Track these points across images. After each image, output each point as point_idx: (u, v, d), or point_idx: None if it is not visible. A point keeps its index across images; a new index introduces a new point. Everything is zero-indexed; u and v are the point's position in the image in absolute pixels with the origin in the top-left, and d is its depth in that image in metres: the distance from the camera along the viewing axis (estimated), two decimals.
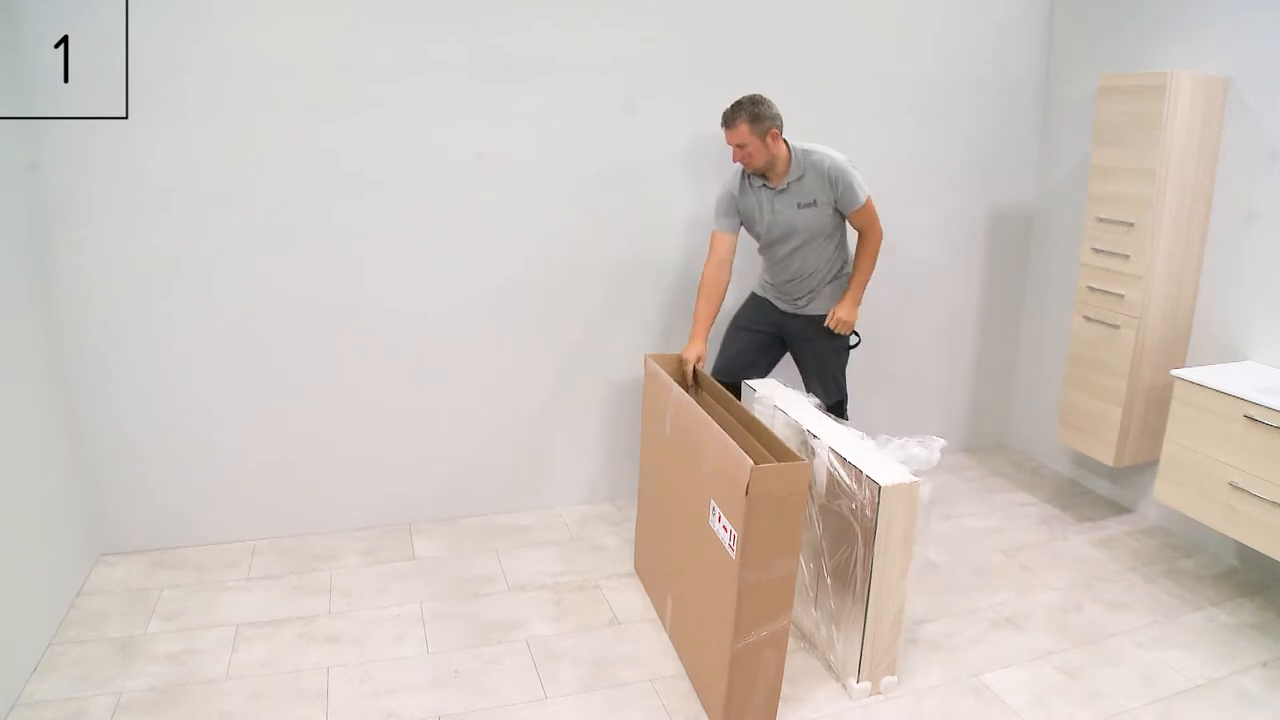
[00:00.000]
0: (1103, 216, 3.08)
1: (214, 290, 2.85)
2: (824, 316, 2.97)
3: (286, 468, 3.08)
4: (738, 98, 2.74)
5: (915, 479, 2.19)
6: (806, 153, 2.81)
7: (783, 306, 3.04)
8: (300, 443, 3.07)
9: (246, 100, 2.73)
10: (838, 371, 3.07)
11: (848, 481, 2.27)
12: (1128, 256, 3.00)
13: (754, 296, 3.14)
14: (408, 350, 3.09)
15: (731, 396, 2.57)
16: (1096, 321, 3.15)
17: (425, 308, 3.07)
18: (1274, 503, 2.42)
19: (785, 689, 2.36)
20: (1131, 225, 2.97)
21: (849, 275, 2.99)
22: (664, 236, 3.28)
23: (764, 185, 2.84)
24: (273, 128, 2.78)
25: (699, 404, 2.47)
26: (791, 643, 2.56)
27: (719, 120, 2.76)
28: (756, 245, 3.01)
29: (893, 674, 2.37)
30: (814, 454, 2.44)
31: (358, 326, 3.02)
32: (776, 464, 2.04)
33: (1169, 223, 2.93)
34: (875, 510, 2.16)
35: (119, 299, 2.77)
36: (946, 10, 3.46)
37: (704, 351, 2.84)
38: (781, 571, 2.06)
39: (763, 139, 2.71)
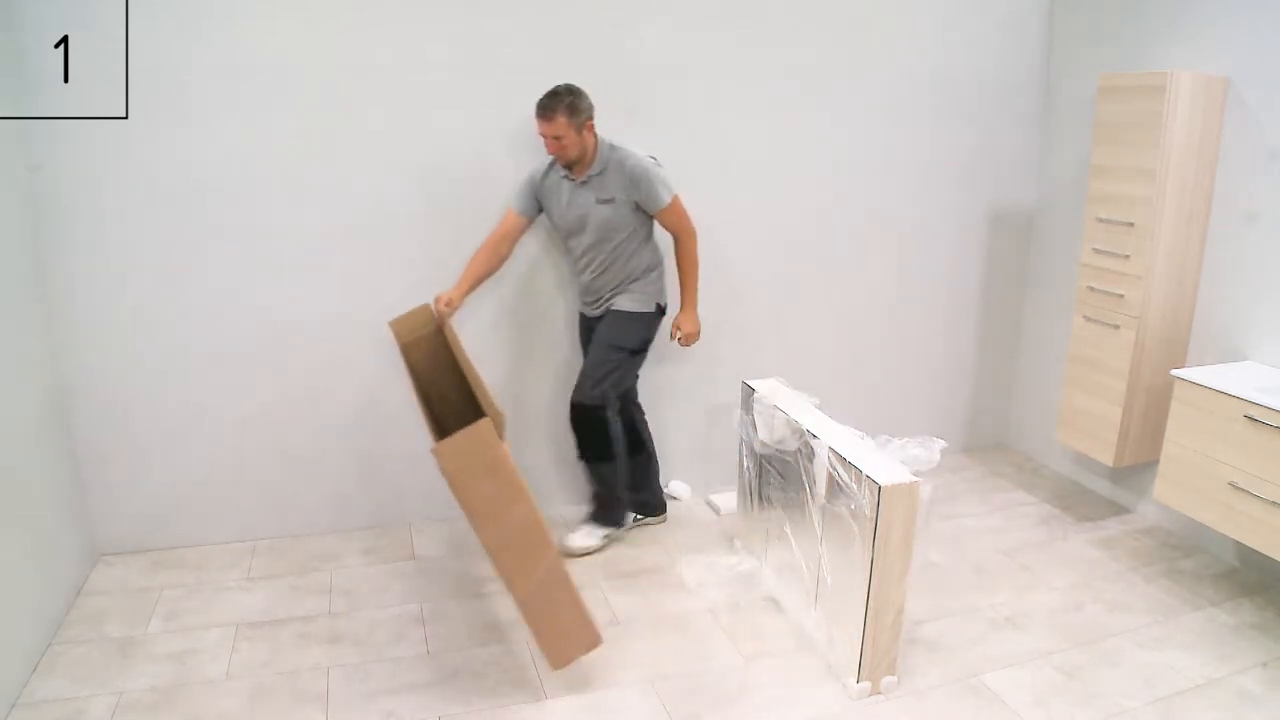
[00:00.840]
0: (1103, 216, 3.08)
1: (214, 290, 2.86)
2: (624, 311, 2.93)
3: (286, 468, 3.08)
4: (553, 87, 2.68)
5: (915, 479, 2.19)
6: (613, 149, 2.80)
7: (591, 313, 3.02)
8: (300, 443, 3.07)
9: (246, 100, 2.73)
10: (615, 368, 2.93)
11: (848, 481, 2.27)
12: (1128, 256, 3.00)
13: (579, 316, 3.14)
14: None
15: (459, 348, 2.62)
16: (1096, 321, 3.14)
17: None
18: (1274, 503, 2.42)
19: (786, 689, 2.37)
20: (1131, 225, 2.97)
21: (656, 279, 2.97)
22: None
23: (566, 176, 2.82)
24: (273, 127, 2.78)
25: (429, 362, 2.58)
26: (791, 643, 2.56)
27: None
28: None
29: (893, 674, 2.37)
30: (814, 454, 2.44)
31: (357, 326, 3.02)
32: (454, 437, 2.02)
33: (1169, 223, 2.93)
34: (875, 510, 2.16)
35: (119, 299, 2.77)
36: (946, 10, 3.46)
37: (456, 298, 2.82)
38: (519, 519, 2.10)
39: (579, 131, 2.70)
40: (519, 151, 2.99)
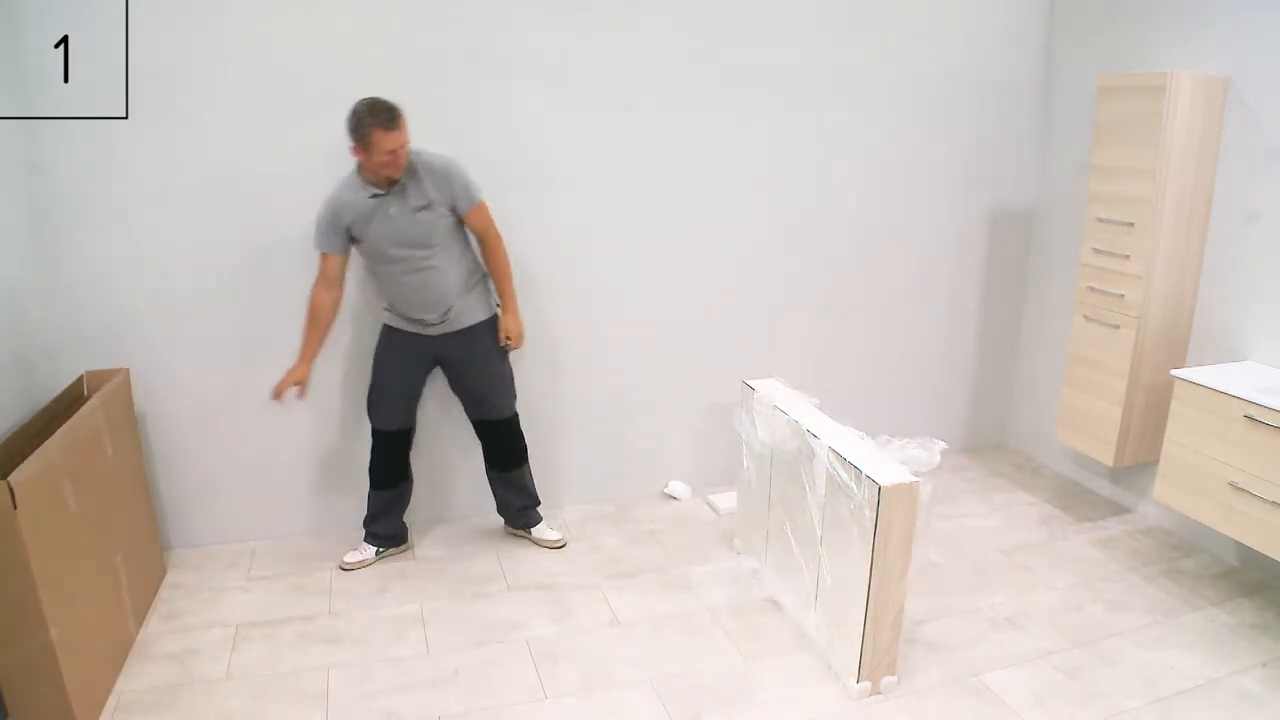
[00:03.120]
0: (1103, 216, 3.08)
1: (214, 290, 2.85)
2: (479, 324, 2.85)
3: (286, 468, 3.08)
4: (372, 100, 2.49)
5: (915, 479, 2.19)
6: (415, 153, 2.61)
7: (430, 332, 2.80)
8: (300, 443, 3.07)
9: (246, 100, 2.73)
10: (509, 376, 2.97)
11: (848, 481, 2.27)
12: (1128, 256, 3.00)
13: (389, 331, 2.86)
14: None
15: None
16: (1096, 321, 3.14)
17: None
18: (1274, 503, 2.42)
19: (786, 689, 2.37)
20: (1131, 225, 2.97)
21: (485, 280, 2.89)
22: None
23: (374, 195, 2.59)
24: (272, 127, 2.78)
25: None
26: (791, 643, 2.56)
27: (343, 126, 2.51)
28: (368, 265, 2.79)
29: (893, 674, 2.37)
30: (814, 454, 2.44)
31: (357, 326, 3.02)
32: None
33: (1169, 223, 2.93)
34: (875, 510, 2.16)
35: (118, 299, 2.77)
36: (947, 10, 3.46)
37: (306, 376, 2.75)
38: (12, 590, 1.93)
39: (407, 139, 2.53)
40: (528, 153, 2.99)
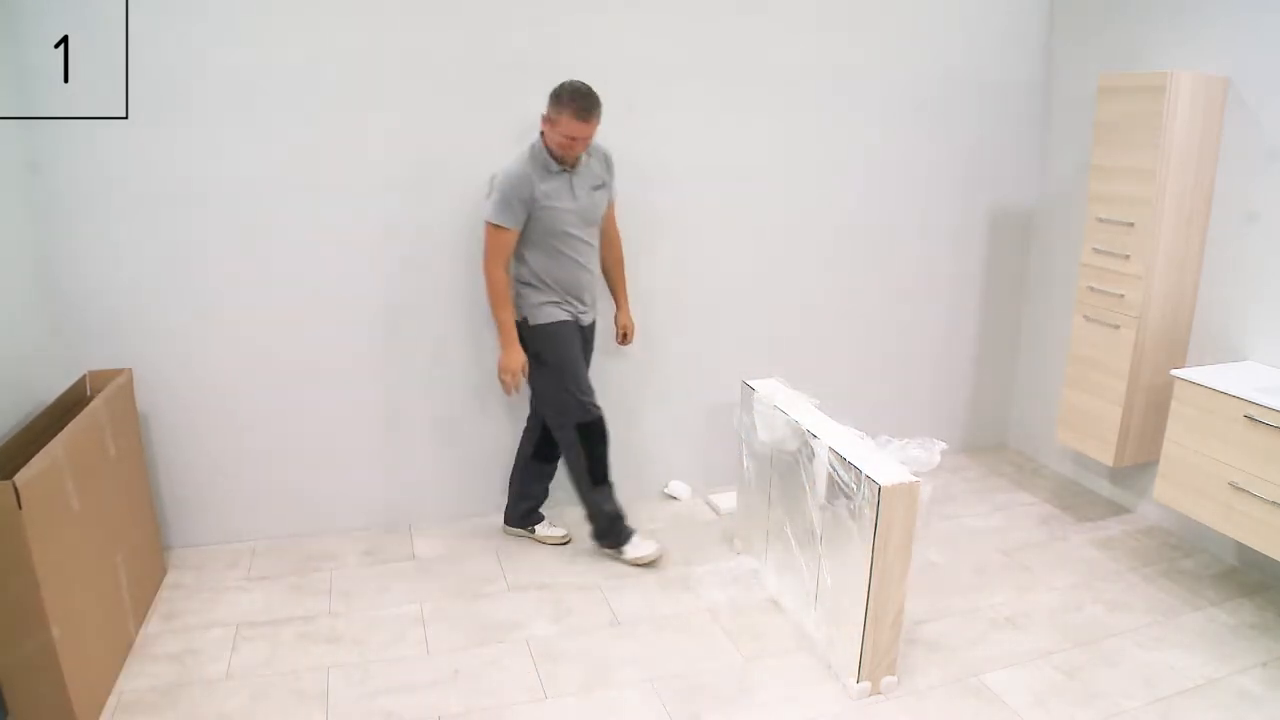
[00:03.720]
0: (1103, 216, 3.08)
1: (214, 290, 2.85)
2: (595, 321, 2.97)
3: (286, 468, 3.08)
4: (575, 84, 2.57)
5: (915, 479, 2.20)
6: None
7: (584, 320, 2.89)
8: (300, 443, 3.07)
9: (246, 100, 2.73)
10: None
11: (848, 481, 2.27)
12: (1128, 256, 3.00)
13: (560, 324, 2.82)
14: (407, 351, 3.09)
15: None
16: (1096, 321, 3.15)
17: (427, 310, 3.07)
18: (1274, 503, 2.42)
19: (786, 689, 2.37)
20: (1131, 225, 2.97)
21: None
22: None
23: (561, 171, 2.69)
24: (273, 127, 2.78)
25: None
26: (791, 643, 2.56)
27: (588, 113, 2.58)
28: (536, 243, 2.73)
29: (893, 674, 2.37)
30: (814, 454, 2.44)
31: (357, 327, 3.02)
32: None
33: (1169, 223, 2.93)
34: (875, 510, 2.16)
35: (118, 299, 2.77)
36: (947, 10, 3.46)
37: (524, 358, 2.77)
38: (15, 589, 1.93)
39: None
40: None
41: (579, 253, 2.79)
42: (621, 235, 3.01)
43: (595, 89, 2.61)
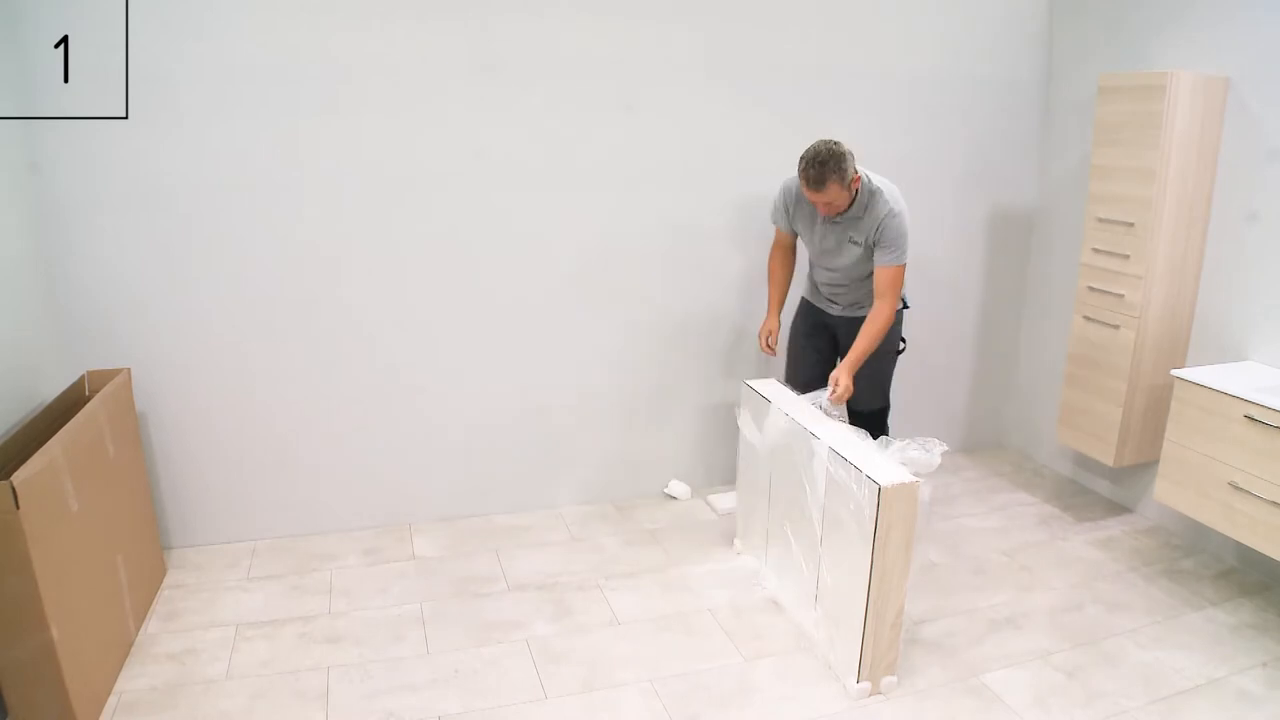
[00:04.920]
0: (1103, 216, 3.08)
1: (214, 291, 2.85)
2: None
3: (286, 468, 3.08)
4: (814, 153, 2.60)
5: (915, 479, 2.20)
6: (874, 194, 2.72)
7: (832, 310, 3.03)
8: (300, 443, 3.07)
9: (246, 100, 2.73)
10: (884, 379, 3.05)
11: (848, 482, 2.27)
12: (1128, 256, 3.00)
13: (805, 304, 3.15)
14: (408, 351, 3.09)
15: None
16: (1096, 321, 3.14)
17: (428, 310, 3.07)
18: (1274, 503, 2.42)
19: (786, 689, 2.37)
20: (1131, 225, 2.97)
21: None
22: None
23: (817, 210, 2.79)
24: (273, 127, 2.78)
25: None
26: (791, 643, 2.56)
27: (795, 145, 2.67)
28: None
29: (893, 674, 2.37)
30: (814, 454, 2.44)
31: (358, 328, 3.02)
32: None
33: (1169, 223, 2.93)
34: (875, 510, 2.16)
35: (118, 300, 2.77)
36: (947, 10, 3.45)
37: (776, 326, 3.06)
38: (13, 590, 1.92)
39: (848, 189, 2.66)
40: (520, 152, 2.99)
41: (824, 268, 2.96)
42: (894, 306, 2.82)
43: (825, 154, 2.59)
